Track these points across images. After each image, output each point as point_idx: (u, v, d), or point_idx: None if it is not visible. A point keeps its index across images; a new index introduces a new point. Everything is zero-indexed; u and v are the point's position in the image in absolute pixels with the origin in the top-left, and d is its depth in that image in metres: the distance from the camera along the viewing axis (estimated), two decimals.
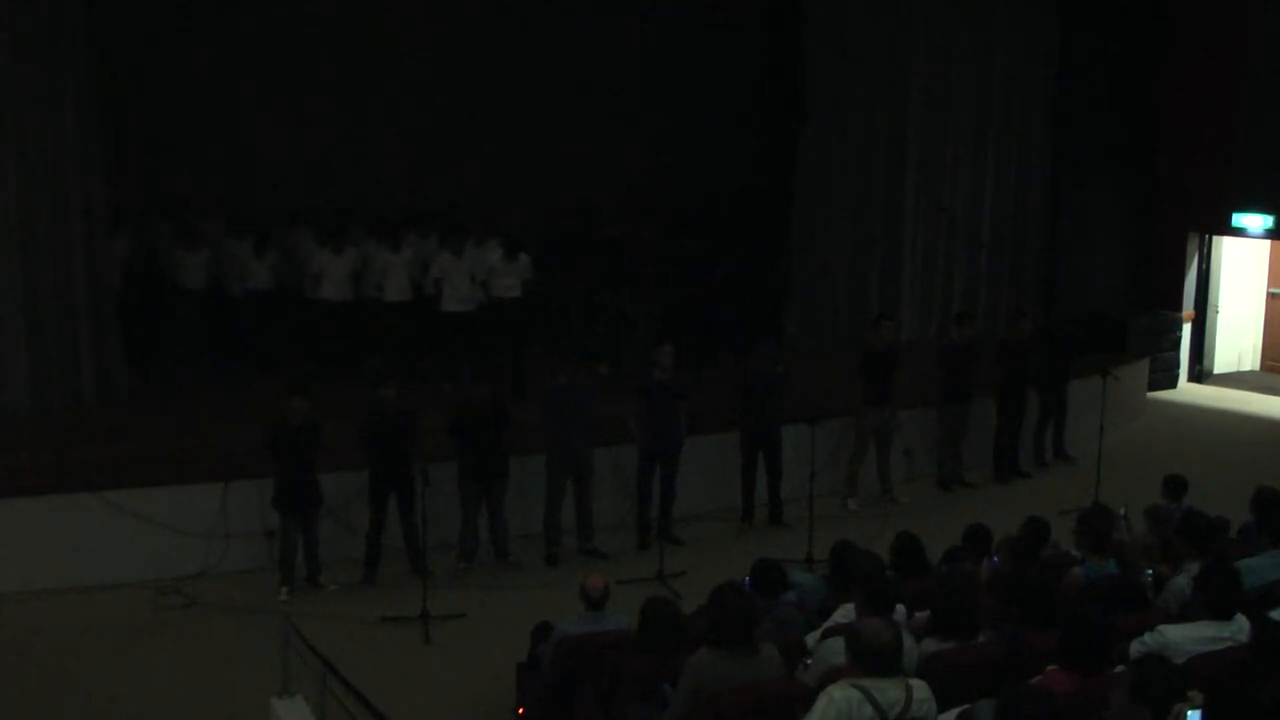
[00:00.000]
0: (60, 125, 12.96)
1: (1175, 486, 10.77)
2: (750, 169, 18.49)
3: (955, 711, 6.20)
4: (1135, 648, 6.81)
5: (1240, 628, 6.96)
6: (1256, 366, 20.69)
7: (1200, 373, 20.22)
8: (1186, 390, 19.77)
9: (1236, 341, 20.58)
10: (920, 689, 5.86)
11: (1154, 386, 19.09)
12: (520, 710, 8.66)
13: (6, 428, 12.67)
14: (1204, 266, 20.03)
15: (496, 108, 17.47)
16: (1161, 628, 6.95)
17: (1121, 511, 10.29)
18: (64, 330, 13.20)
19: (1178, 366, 19.92)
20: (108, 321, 13.51)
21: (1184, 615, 7.37)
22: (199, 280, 14.80)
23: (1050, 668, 6.32)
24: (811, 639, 7.43)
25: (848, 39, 17.08)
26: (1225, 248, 20.03)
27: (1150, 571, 8.53)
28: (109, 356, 13.54)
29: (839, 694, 5.71)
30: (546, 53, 17.63)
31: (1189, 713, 5.53)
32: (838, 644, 6.55)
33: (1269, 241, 19.64)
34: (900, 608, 7.39)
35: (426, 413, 11.88)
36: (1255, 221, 18.77)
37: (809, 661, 7.04)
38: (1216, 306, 20.20)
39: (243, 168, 15.98)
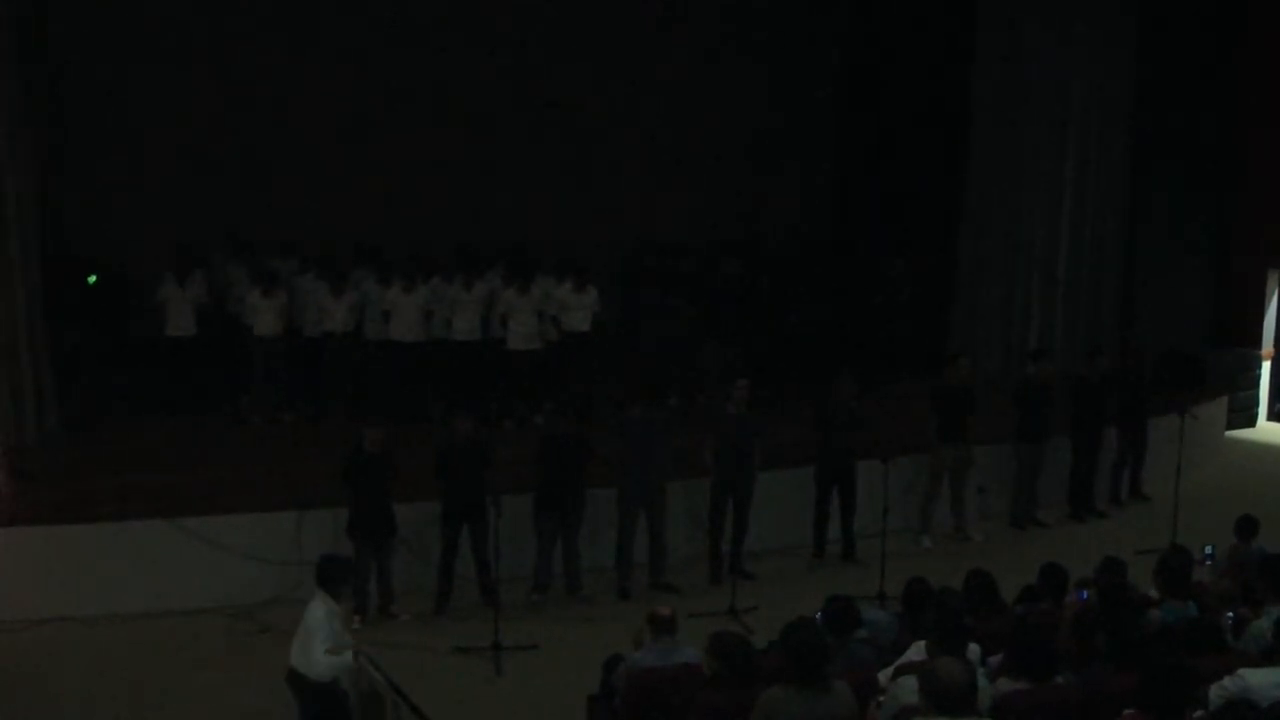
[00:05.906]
0: None
1: (1247, 527, 10.62)
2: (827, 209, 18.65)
3: None
4: (1216, 693, 6.71)
5: None
6: None
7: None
8: (1266, 430, 19.41)
9: None
10: None
11: (1232, 425, 18.77)
12: None
13: (69, 456, 13.00)
14: None
15: (567, 142, 17.63)
16: (1242, 672, 6.85)
17: (1207, 550, 10.14)
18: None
19: (1257, 405, 19.57)
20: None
21: (1266, 659, 7.26)
22: (275, 326, 14.67)
23: (1128, 712, 6.24)
24: (884, 676, 7.39)
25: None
26: None
27: (1231, 614, 8.41)
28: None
29: None
30: (618, 85, 17.78)
31: None
32: (910, 682, 6.52)
33: None
34: (974, 647, 7.33)
35: (497, 447, 11.91)
36: None
37: (881, 699, 7.01)
38: None
39: (307, 207, 16.15)
